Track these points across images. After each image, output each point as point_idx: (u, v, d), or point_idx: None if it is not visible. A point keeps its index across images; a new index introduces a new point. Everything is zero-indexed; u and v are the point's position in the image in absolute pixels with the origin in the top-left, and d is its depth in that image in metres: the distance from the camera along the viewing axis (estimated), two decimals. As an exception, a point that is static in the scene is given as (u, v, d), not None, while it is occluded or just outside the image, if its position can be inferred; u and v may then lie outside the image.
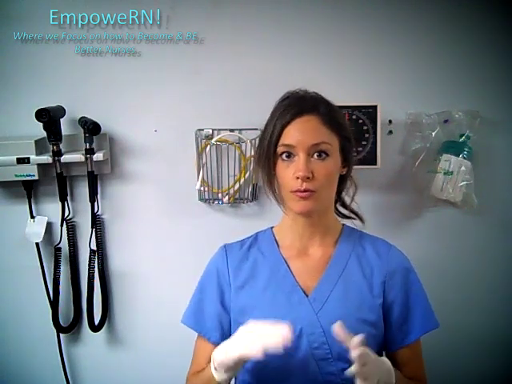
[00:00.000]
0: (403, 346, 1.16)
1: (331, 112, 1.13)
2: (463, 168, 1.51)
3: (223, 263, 1.20)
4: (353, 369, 0.95)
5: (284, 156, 1.10)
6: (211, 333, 1.17)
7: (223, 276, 1.19)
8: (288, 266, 1.17)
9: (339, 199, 1.24)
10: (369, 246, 1.20)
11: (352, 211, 1.26)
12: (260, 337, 0.96)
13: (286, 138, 1.09)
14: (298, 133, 1.09)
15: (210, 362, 1.09)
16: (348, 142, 1.15)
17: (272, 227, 1.25)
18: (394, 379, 1.04)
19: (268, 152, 1.11)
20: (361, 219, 1.25)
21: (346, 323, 1.00)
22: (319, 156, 1.09)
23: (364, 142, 1.50)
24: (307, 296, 1.13)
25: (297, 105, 1.11)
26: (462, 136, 1.53)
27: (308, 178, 1.07)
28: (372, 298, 1.14)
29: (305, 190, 1.07)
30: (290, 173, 1.09)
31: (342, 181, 1.19)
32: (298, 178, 1.07)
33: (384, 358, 1.06)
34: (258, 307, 1.14)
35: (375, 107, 1.49)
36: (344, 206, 1.26)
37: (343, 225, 1.24)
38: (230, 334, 1.13)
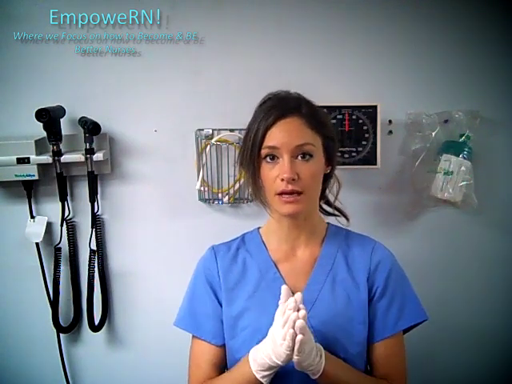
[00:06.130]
0: (379, 341, 1.14)
1: (314, 112, 1.14)
2: (463, 168, 1.51)
3: (213, 265, 1.20)
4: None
5: (268, 158, 1.10)
6: (210, 334, 1.17)
7: (214, 278, 1.19)
8: (277, 268, 1.17)
9: (323, 197, 1.25)
10: (355, 244, 1.20)
11: (336, 208, 1.26)
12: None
13: (270, 140, 1.09)
14: (282, 135, 1.09)
15: (214, 364, 1.11)
16: (331, 142, 1.16)
17: (259, 228, 1.26)
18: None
19: (252, 154, 1.11)
20: (345, 217, 1.26)
21: (336, 322, 0.99)
22: (303, 157, 1.09)
23: (364, 142, 1.50)
24: None
25: (279, 106, 1.11)
26: (462, 136, 1.53)
27: (293, 179, 1.07)
28: (359, 295, 1.14)
29: (291, 192, 1.07)
30: (274, 175, 1.09)
31: (326, 179, 1.20)
32: (283, 179, 1.07)
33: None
34: (248, 310, 1.14)
35: (375, 107, 1.49)
36: (328, 203, 1.27)
37: (328, 224, 1.24)
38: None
